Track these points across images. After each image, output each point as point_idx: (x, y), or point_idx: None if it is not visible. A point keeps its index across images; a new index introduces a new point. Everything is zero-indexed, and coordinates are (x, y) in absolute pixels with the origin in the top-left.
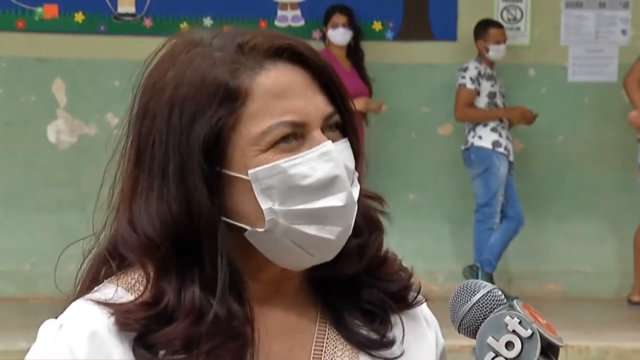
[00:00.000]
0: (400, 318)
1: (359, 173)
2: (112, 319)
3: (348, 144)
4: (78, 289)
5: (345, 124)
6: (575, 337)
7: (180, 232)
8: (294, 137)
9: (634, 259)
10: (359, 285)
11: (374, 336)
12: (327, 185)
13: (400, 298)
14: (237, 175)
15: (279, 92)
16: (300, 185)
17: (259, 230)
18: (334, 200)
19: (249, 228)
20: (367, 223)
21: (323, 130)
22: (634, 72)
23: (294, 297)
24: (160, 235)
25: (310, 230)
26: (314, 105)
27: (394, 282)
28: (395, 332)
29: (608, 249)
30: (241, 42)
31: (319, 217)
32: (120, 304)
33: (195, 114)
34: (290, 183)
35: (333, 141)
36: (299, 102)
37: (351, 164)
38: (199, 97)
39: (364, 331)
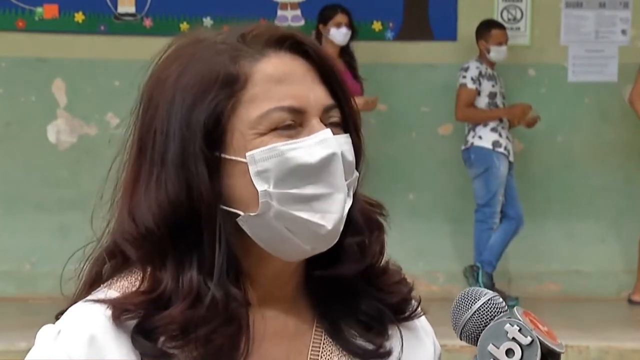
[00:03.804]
0: (398, 329)
1: (359, 172)
2: (110, 312)
3: (349, 140)
4: (80, 287)
5: (347, 122)
6: (575, 337)
7: (178, 217)
8: (293, 125)
9: (639, 257)
10: (357, 295)
11: (370, 347)
12: (323, 171)
13: (399, 310)
14: (235, 158)
15: (279, 78)
16: (296, 169)
17: (252, 214)
18: (329, 187)
19: (242, 213)
20: (367, 222)
21: (323, 121)
22: (638, 84)
23: (291, 303)
24: (157, 222)
25: (303, 214)
26: (314, 93)
27: (394, 294)
28: (393, 343)
29: (608, 249)
30: (244, 33)
31: (312, 201)
32: (117, 297)
33: (196, 99)
34: (287, 166)
35: (334, 134)
36: (298, 89)
37: (350, 157)
38: (199, 83)
39: (360, 341)
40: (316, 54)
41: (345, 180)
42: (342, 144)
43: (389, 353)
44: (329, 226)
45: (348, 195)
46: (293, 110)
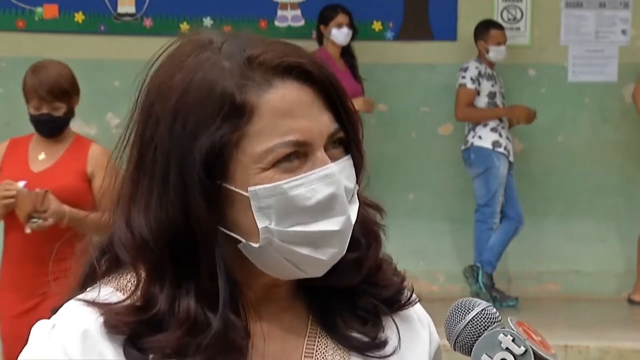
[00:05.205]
0: (393, 320)
1: (358, 185)
2: (102, 320)
3: (350, 162)
4: (74, 287)
5: (349, 140)
6: (575, 337)
7: (177, 240)
8: (296, 156)
9: (638, 257)
10: (353, 292)
11: (366, 339)
12: (325, 209)
13: (393, 302)
14: (237, 190)
15: (286, 111)
16: (299, 207)
17: (253, 245)
18: (331, 225)
19: (243, 240)
20: (366, 234)
21: (326, 147)
22: None
23: (285, 301)
24: (155, 239)
25: (304, 250)
26: (319, 124)
27: (388, 288)
28: (388, 333)
29: (608, 249)
30: (250, 56)
31: (314, 239)
32: (111, 305)
33: (199, 125)
34: (289, 204)
35: (336, 159)
36: (304, 122)
37: (351, 183)
38: (204, 108)
39: (355, 334)
40: (322, 79)
41: (349, 211)
42: (342, 170)
43: (384, 344)
44: (329, 260)
45: (350, 219)
46: (297, 143)
